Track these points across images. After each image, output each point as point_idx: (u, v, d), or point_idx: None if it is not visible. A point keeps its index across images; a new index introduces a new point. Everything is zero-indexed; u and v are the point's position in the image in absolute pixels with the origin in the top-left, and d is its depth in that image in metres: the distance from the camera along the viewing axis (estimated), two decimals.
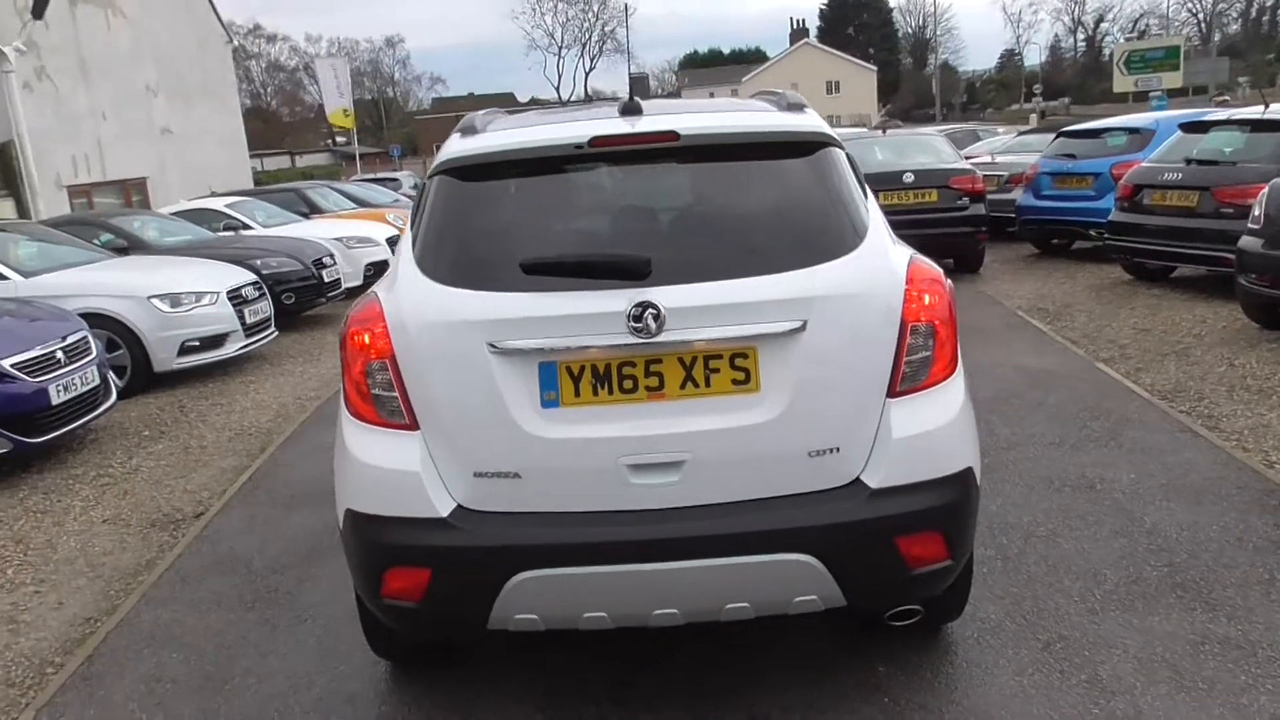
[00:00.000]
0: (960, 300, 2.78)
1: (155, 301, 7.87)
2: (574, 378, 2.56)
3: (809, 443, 2.54)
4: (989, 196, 9.61)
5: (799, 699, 2.94)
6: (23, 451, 5.76)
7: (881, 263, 2.61)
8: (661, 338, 2.50)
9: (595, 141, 2.67)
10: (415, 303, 2.65)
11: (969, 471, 2.64)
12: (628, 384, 2.55)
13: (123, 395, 7.34)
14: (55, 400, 5.84)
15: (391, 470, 2.61)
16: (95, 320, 7.29)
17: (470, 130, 2.96)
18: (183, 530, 4.81)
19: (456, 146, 2.87)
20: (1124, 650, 3.06)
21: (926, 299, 2.59)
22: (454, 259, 2.70)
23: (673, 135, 2.66)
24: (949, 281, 2.75)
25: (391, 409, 2.64)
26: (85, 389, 6.16)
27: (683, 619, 2.62)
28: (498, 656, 3.30)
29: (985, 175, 10.11)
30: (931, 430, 2.56)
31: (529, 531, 2.54)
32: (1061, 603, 3.36)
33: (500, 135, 2.84)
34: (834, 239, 2.62)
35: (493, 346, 2.54)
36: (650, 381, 2.55)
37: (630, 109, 2.87)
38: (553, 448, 2.54)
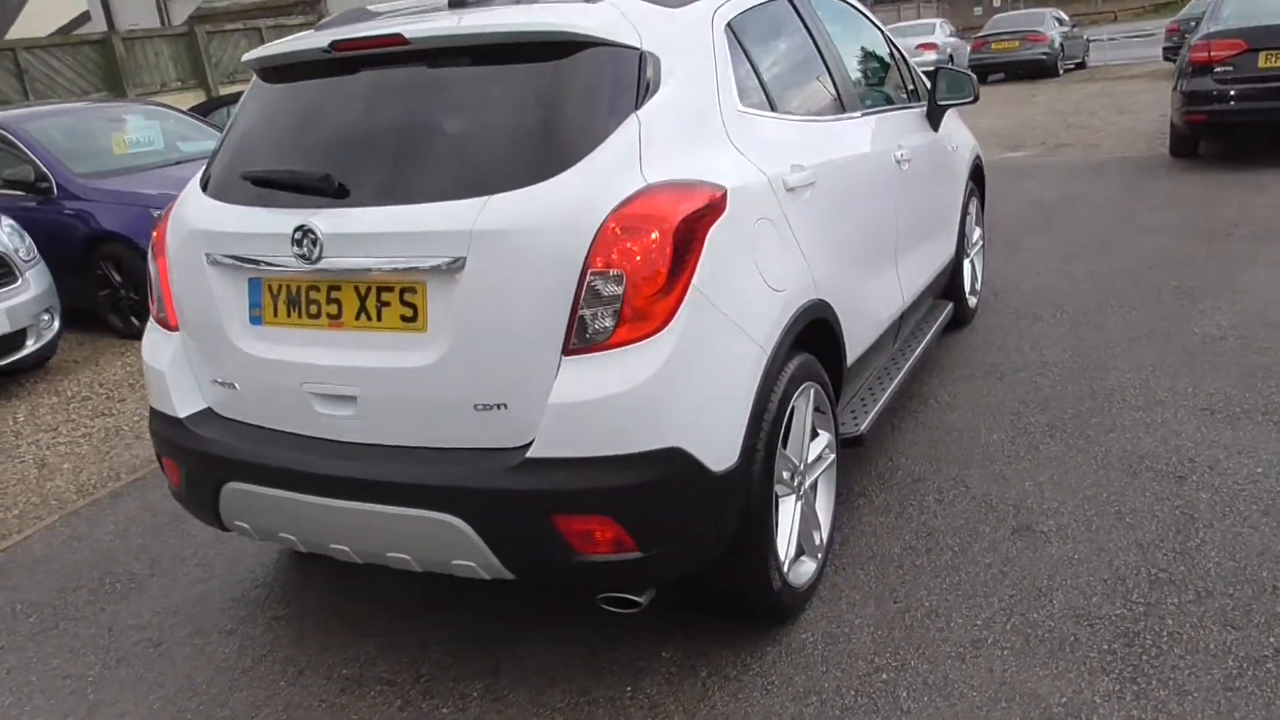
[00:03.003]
0: None
1: None
2: (273, 296, 2.48)
3: (474, 394, 2.25)
4: None
5: None
6: None
7: (578, 194, 2.18)
8: (324, 264, 2.33)
9: (336, 46, 2.48)
10: (179, 209, 2.73)
11: (674, 452, 2.18)
12: (313, 309, 2.42)
13: None
14: None
15: (153, 368, 2.75)
16: None
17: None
18: None
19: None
20: None
21: (627, 243, 2.14)
22: (213, 167, 2.72)
23: (399, 39, 2.39)
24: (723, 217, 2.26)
25: (161, 310, 2.75)
26: None
27: (358, 559, 2.49)
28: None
29: None
30: (605, 398, 2.14)
31: (236, 445, 2.54)
32: None
33: (288, 41, 2.73)
34: (532, 163, 2.24)
35: (208, 257, 2.54)
36: (331, 309, 2.40)
37: (458, 1, 2.62)
38: (255, 365, 2.51)
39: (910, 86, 4.23)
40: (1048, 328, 4.87)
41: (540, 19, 2.37)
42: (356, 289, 2.35)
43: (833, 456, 2.96)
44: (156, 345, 2.77)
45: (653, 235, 2.16)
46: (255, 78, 2.80)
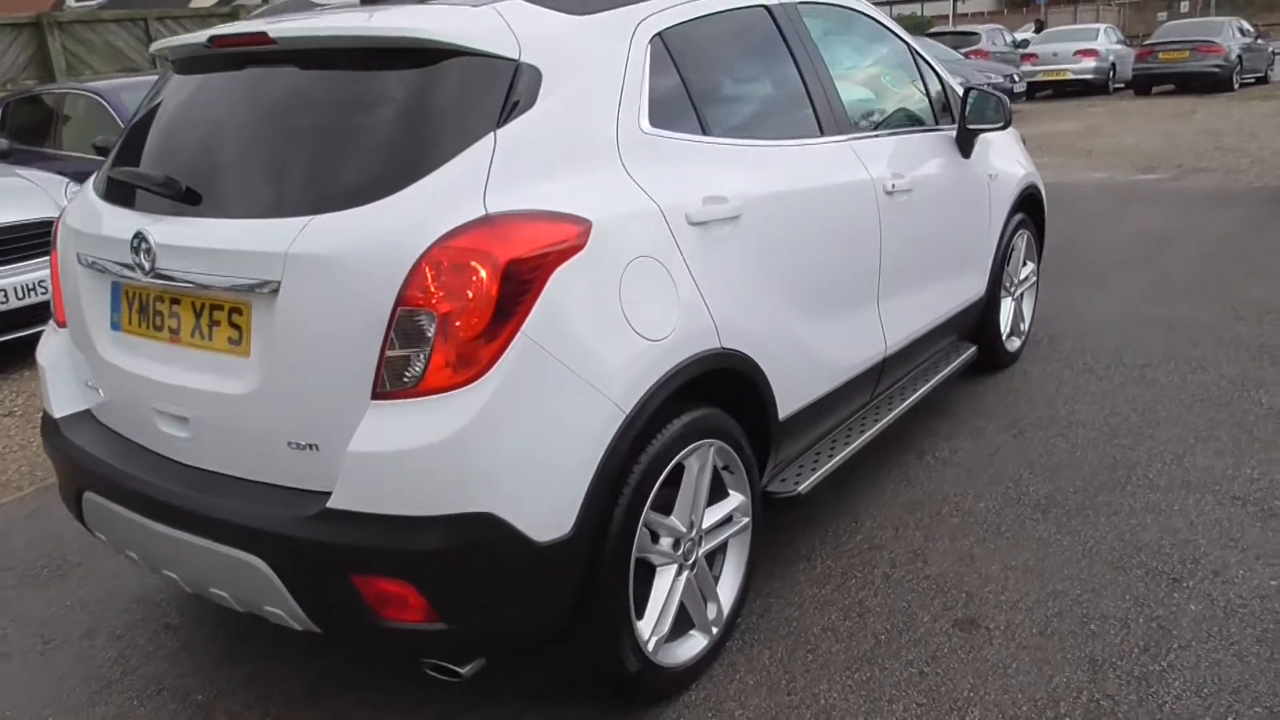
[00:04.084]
0: None
1: None
2: (129, 304, 2.37)
3: (288, 430, 2.07)
4: None
5: None
6: None
7: (401, 220, 1.96)
8: (158, 275, 2.20)
9: (214, 41, 2.34)
10: (70, 203, 2.65)
11: (483, 518, 1.95)
12: (158, 321, 2.30)
13: None
14: None
15: (39, 364, 2.69)
16: None
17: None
18: None
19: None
20: None
21: (447, 279, 1.91)
22: (107, 163, 2.62)
23: (264, 37, 2.23)
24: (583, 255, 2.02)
25: (53, 305, 2.69)
26: None
27: (187, 588, 2.36)
28: None
29: None
30: (406, 451, 1.92)
31: (93, 455, 2.44)
32: None
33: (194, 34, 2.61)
34: (365, 182, 2.03)
35: (80, 257, 2.46)
36: (171, 323, 2.26)
37: None
38: (113, 373, 2.42)
39: (938, 109, 3.81)
40: (1093, 380, 4.34)
41: (405, 23, 2.15)
42: (193, 304, 2.21)
43: (746, 520, 2.65)
44: (46, 341, 2.72)
45: (480, 272, 1.93)
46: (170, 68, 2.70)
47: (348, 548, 1.98)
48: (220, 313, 2.16)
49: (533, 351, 1.97)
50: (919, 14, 36.74)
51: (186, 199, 2.23)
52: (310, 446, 2.04)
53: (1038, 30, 30.06)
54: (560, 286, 2.02)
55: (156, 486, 2.26)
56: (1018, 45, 23.92)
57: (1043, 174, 5.01)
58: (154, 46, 2.62)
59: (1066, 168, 10.64)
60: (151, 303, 2.31)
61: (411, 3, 2.40)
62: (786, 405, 2.75)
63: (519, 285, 1.96)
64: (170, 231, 2.20)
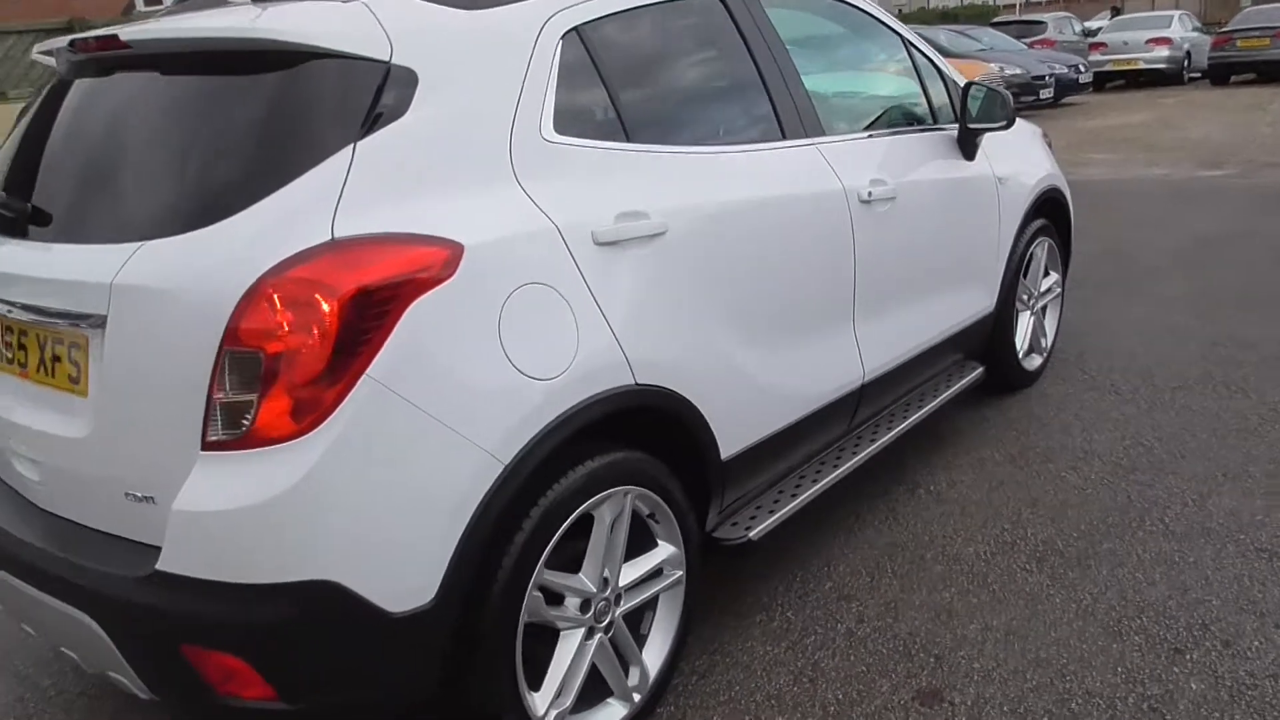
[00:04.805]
0: None
1: None
2: None
3: (125, 480, 1.85)
4: None
5: None
6: None
7: (235, 247, 1.72)
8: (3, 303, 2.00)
9: (75, 46, 2.13)
10: None
11: (323, 587, 1.70)
12: (9, 354, 2.09)
13: None
14: None
15: None
16: None
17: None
18: None
19: None
20: None
21: (278, 314, 1.66)
22: None
23: (115, 41, 2.01)
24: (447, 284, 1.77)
25: None
26: None
27: (48, 643, 2.16)
28: None
29: None
30: (233, 510, 1.69)
31: None
32: None
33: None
34: (204, 203, 1.80)
35: None
36: (20, 356, 2.06)
37: None
38: None
39: (937, 106, 3.46)
40: (1118, 404, 3.94)
41: (258, 23, 1.91)
42: (37, 337, 2.00)
43: (679, 574, 2.37)
44: None
45: (317, 307, 1.68)
46: None
47: (176, 615, 1.75)
48: (61, 347, 1.94)
49: (380, 396, 1.71)
50: (989, 1, 35.51)
51: (33, 220, 2.02)
52: (147, 499, 1.82)
53: (1114, 16, 28.85)
54: (419, 321, 1.76)
55: (9, 530, 2.06)
56: (1087, 34, 22.99)
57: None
58: (35, 50, 2.42)
59: (1125, 164, 10.05)
60: (3, 334, 2.11)
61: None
62: (731, 443, 2.45)
63: (365, 321, 1.71)
64: (8, 256, 1.99)
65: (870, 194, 2.88)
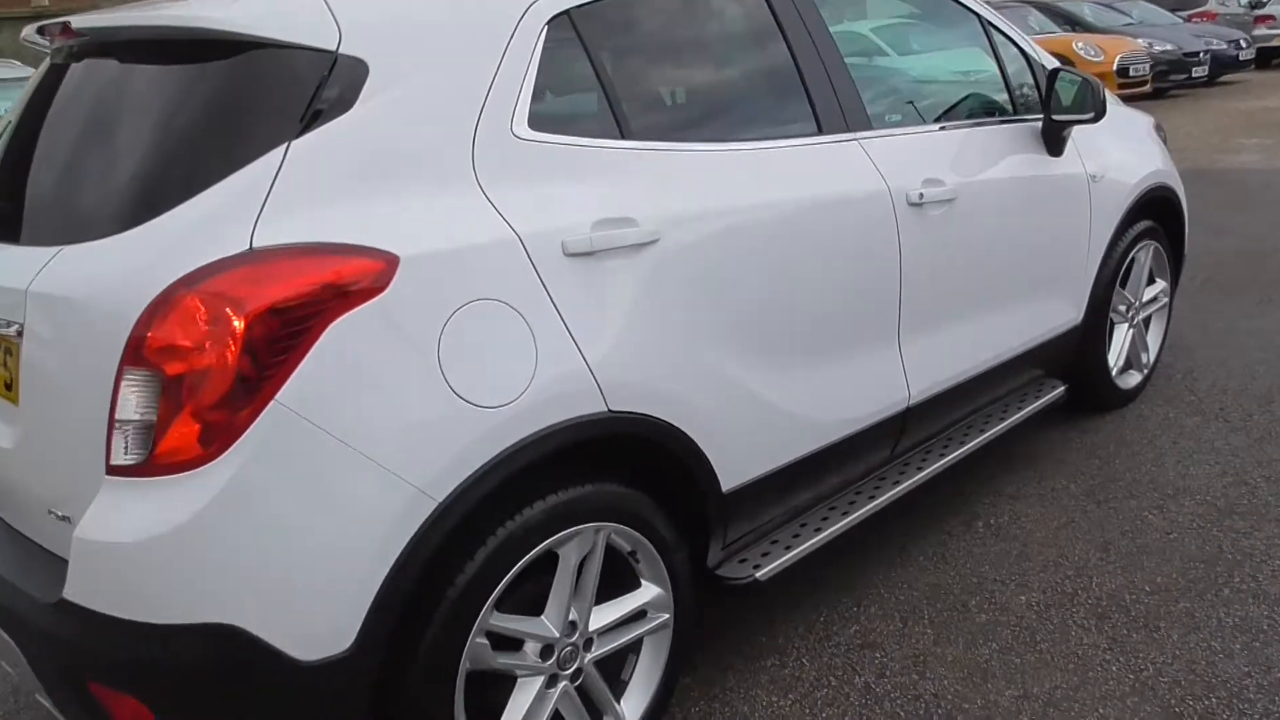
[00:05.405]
0: None
1: None
2: None
3: (46, 497, 1.75)
4: None
5: None
6: None
7: (142, 256, 1.58)
8: None
9: (42, 31, 2.04)
10: None
11: (223, 630, 1.56)
12: None
13: None
14: None
15: None
16: None
17: None
18: None
19: None
20: None
21: (179, 331, 1.52)
22: None
23: (67, 28, 1.90)
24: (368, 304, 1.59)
25: None
26: None
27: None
28: None
29: None
30: (130, 543, 1.55)
31: None
32: None
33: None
34: (126, 205, 1.67)
35: None
36: None
37: None
38: None
39: (1018, 96, 3.08)
40: (1225, 433, 3.49)
41: (202, 10, 1.77)
42: None
43: (664, 617, 2.14)
44: None
45: (223, 324, 1.53)
46: None
47: (83, 649, 1.64)
48: None
49: (289, 424, 1.55)
50: None
51: None
52: (65, 519, 1.71)
53: None
54: (342, 341, 1.59)
55: None
56: (1255, 6, 21.18)
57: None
58: (24, 32, 2.35)
59: (1276, 150, 9.13)
60: None
61: None
62: (736, 475, 2.21)
63: (277, 339, 1.55)
64: None
65: (922, 195, 2.56)
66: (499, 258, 1.78)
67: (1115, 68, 12.67)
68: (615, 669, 2.15)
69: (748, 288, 2.18)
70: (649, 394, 1.98)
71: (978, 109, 2.99)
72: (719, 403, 2.14)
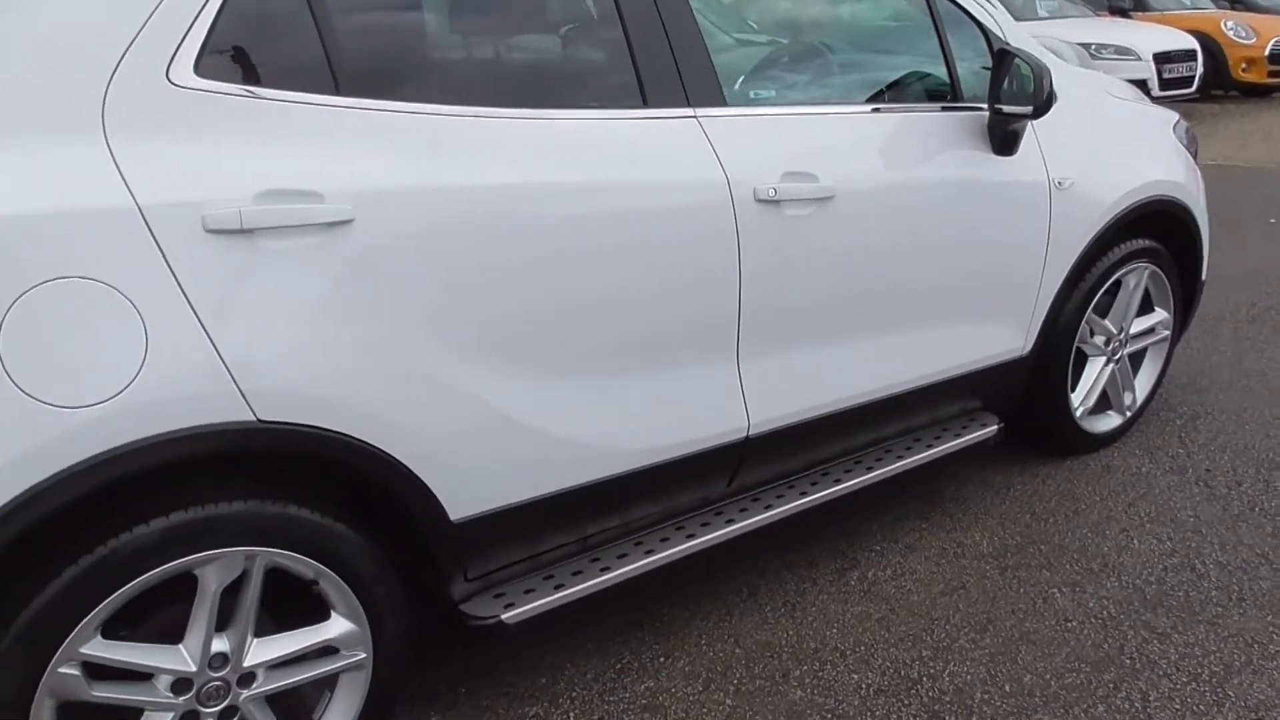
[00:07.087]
0: None
1: None
2: None
3: None
4: None
5: None
6: None
7: None
8: None
9: None
10: None
11: None
12: None
13: None
14: None
15: None
16: None
17: None
18: None
19: None
20: None
21: None
22: None
23: None
24: None
25: None
26: None
27: None
28: None
29: None
30: None
31: None
32: None
33: None
34: None
35: None
36: None
37: None
38: None
39: (965, 80, 2.57)
40: (1198, 502, 2.93)
41: None
42: None
43: (360, 655, 1.85)
44: None
45: None
46: None
47: None
48: None
49: None
50: None
51: None
52: None
53: None
54: None
55: None
56: None
57: None
58: None
59: None
60: None
61: None
62: (471, 503, 1.89)
63: None
64: None
65: (777, 191, 2.13)
66: (105, 228, 1.48)
67: (1268, 53, 11.33)
68: (308, 705, 1.88)
69: (495, 288, 1.83)
70: (323, 404, 1.67)
71: (901, 92, 2.51)
72: (447, 422, 1.81)
